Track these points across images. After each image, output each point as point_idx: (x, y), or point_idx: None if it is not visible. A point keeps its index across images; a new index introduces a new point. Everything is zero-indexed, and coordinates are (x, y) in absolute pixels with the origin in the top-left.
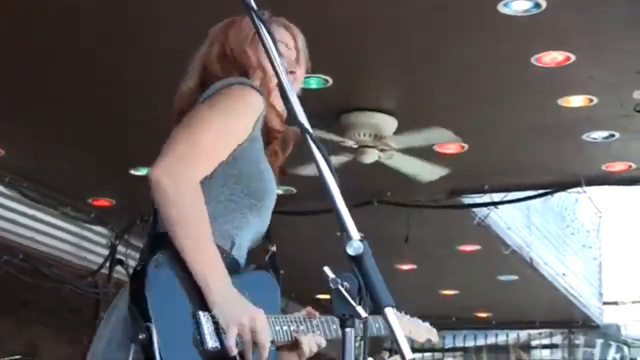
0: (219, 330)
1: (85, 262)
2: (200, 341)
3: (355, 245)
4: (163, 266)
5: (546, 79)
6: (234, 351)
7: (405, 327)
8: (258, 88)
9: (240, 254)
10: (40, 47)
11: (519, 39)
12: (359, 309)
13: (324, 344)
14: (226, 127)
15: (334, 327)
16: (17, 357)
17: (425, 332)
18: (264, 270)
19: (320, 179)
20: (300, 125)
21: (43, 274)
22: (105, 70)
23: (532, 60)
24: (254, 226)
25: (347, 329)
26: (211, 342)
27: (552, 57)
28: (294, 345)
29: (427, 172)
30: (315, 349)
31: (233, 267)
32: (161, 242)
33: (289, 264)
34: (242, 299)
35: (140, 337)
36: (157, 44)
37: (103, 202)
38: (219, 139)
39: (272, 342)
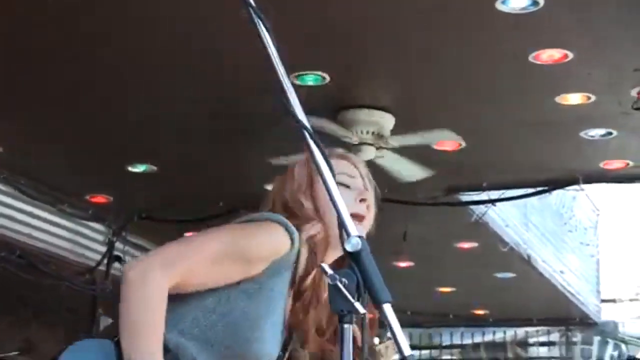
0: None
1: (82, 259)
2: None
3: (354, 241)
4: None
5: (544, 76)
6: None
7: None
8: (293, 234)
9: None
10: (38, 47)
11: (516, 36)
12: (358, 305)
13: None
14: (230, 253)
15: None
16: (14, 353)
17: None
18: None
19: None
20: (298, 121)
21: (40, 270)
22: (103, 69)
23: (530, 57)
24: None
25: (346, 325)
26: None
27: (550, 55)
28: None
29: (413, 173)
30: None
31: None
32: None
33: None
34: None
35: None
36: (156, 44)
37: (100, 198)
38: (215, 259)
39: None
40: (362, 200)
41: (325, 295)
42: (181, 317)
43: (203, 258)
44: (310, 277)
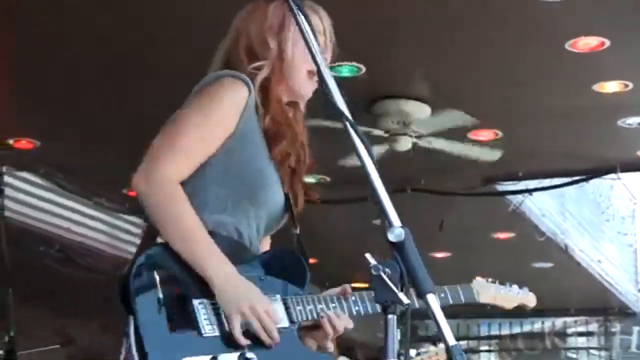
0: (219, 317)
1: (119, 252)
2: (196, 329)
3: (397, 232)
4: (152, 258)
5: (581, 64)
6: (243, 341)
7: (489, 295)
8: (246, 79)
9: (253, 243)
10: (79, 44)
11: (553, 24)
12: (401, 295)
13: (350, 325)
14: (203, 124)
15: (370, 304)
16: (55, 346)
17: (515, 298)
18: (288, 250)
19: (360, 166)
20: (339, 112)
21: (78, 263)
22: (142, 69)
23: (567, 45)
24: (260, 217)
25: (390, 316)
26: (209, 329)
27: (587, 43)
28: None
29: (475, 152)
30: (341, 330)
31: (247, 256)
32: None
33: (323, 253)
34: (244, 285)
35: (126, 329)
36: (197, 46)
37: None
38: (195, 136)
39: (293, 322)
40: None
41: (297, 131)
42: (202, 199)
43: (188, 138)
44: (269, 116)
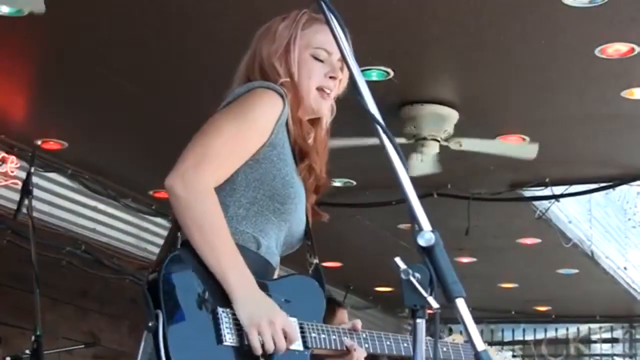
0: (239, 328)
1: (145, 254)
2: (216, 336)
3: (427, 236)
4: (182, 260)
5: (610, 70)
6: (259, 351)
7: None
8: (281, 92)
9: (271, 255)
10: (108, 46)
11: (583, 30)
12: (430, 299)
13: (362, 357)
14: (240, 132)
15: (387, 343)
16: (80, 346)
17: None
18: (308, 277)
19: (390, 170)
20: (372, 116)
21: (104, 265)
22: (169, 70)
23: (596, 51)
24: (281, 230)
25: (419, 320)
26: (229, 338)
27: (616, 49)
28: (334, 354)
29: (514, 150)
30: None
31: (264, 268)
32: (183, 241)
33: (348, 257)
34: (264, 299)
35: (150, 324)
36: (220, 46)
37: (163, 194)
38: (232, 144)
39: (307, 347)
40: (332, 77)
41: (317, 151)
42: (224, 205)
43: (224, 146)
44: (293, 134)
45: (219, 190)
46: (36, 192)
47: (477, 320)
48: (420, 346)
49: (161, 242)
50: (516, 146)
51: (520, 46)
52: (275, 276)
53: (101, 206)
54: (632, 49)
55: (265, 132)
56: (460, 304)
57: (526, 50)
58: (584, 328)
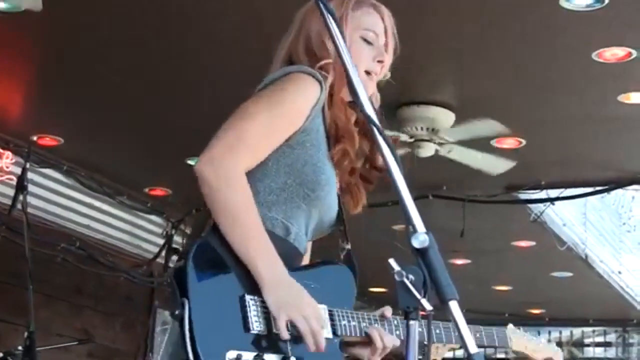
0: (267, 316)
1: (140, 251)
2: (244, 324)
3: (421, 238)
4: (210, 247)
5: (607, 74)
6: (286, 336)
7: (520, 343)
8: (319, 77)
9: (299, 242)
10: (107, 43)
11: (580, 34)
12: (424, 301)
13: (397, 343)
14: (274, 117)
15: (419, 330)
16: (74, 343)
17: (545, 350)
18: (339, 265)
19: (386, 171)
20: (367, 117)
21: (99, 262)
22: (168, 69)
23: (593, 55)
24: (311, 217)
25: (412, 322)
26: (256, 326)
27: (614, 53)
28: (365, 342)
29: (490, 165)
30: (390, 346)
31: (292, 255)
32: (211, 227)
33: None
34: (294, 285)
35: (177, 312)
36: (220, 45)
37: (159, 191)
38: (266, 129)
39: (337, 335)
40: (379, 61)
41: (353, 132)
42: (254, 190)
43: (257, 131)
44: (331, 116)
45: (249, 175)
46: (31, 188)
47: (471, 323)
48: (413, 346)
49: (156, 239)
50: (494, 161)
51: (517, 49)
52: (305, 262)
53: (96, 203)
54: (629, 54)
55: (299, 117)
56: (454, 306)
57: (523, 53)
58: (577, 331)
